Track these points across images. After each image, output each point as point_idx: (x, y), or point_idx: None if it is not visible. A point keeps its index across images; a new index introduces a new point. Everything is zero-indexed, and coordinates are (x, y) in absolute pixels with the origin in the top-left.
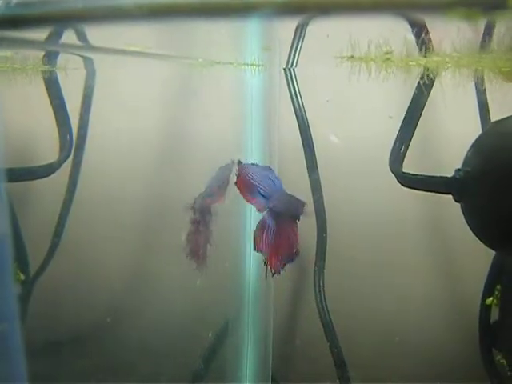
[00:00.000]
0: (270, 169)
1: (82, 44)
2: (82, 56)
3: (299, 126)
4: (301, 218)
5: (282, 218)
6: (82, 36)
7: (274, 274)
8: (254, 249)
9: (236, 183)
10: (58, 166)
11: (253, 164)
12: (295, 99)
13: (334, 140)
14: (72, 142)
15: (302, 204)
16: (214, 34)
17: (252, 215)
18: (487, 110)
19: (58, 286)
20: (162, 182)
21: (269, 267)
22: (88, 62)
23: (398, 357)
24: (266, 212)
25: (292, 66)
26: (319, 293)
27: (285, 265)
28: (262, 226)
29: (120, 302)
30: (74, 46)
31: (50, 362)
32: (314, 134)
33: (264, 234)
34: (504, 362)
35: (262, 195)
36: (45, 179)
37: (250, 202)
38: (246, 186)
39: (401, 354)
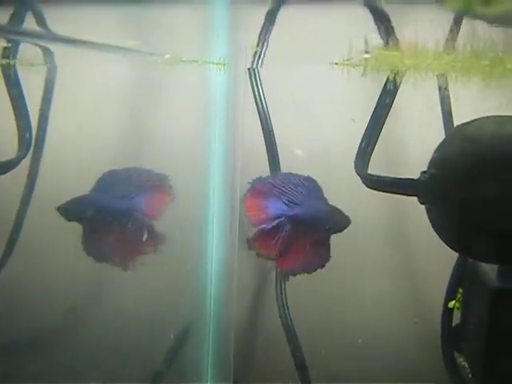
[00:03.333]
0: (311, 179)
1: (42, 31)
2: (42, 47)
3: (262, 127)
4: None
5: (306, 228)
6: (42, 24)
7: (282, 280)
8: (257, 254)
9: (253, 188)
10: (17, 162)
11: (291, 173)
12: (259, 100)
13: (299, 153)
14: (31, 139)
15: (346, 220)
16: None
17: (214, 219)
18: (450, 114)
19: (15, 285)
20: None
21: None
22: (48, 55)
23: (360, 359)
24: (281, 219)
25: (257, 66)
26: (281, 295)
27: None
28: (272, 233)
29: (79, 301)
30: (34, 35)
31: (7, 363)
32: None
33: (274, 240)
34: (465, 364)
35: (284, 202)
36: (2, 176)
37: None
38: (264, 191)
39: (364, 357)
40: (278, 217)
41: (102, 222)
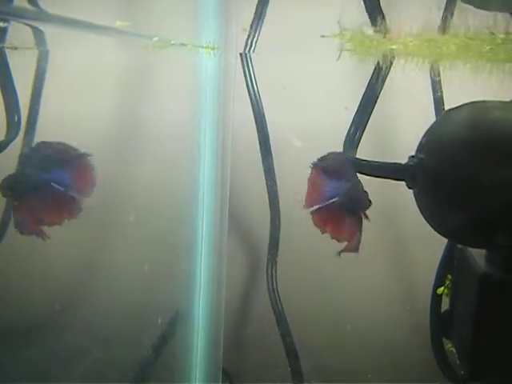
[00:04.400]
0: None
1: (33, 10)
2: (32, 28)
3: (254, 112)
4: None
5: (356, 206)
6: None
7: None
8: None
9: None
10: (5, 145)
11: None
12: (250, 85)
13: (297, 144)
14: (20, 122)
15: (366, 197)
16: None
17: (205, 203)
18: (441, 98)
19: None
20: (111, 168)
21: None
22: (39, 37)
23: (349, 347)
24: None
25: (249, 51)
26: (271, 282)
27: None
28: (336, 214)
29: (68, 288)
30: (24, 14)
31: None
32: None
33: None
34: (453, 350)
35: (338, 182)
36: None
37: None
38: (329, 171)
39: (353, 344)
40: (334, 196)
41: (26, 196)
